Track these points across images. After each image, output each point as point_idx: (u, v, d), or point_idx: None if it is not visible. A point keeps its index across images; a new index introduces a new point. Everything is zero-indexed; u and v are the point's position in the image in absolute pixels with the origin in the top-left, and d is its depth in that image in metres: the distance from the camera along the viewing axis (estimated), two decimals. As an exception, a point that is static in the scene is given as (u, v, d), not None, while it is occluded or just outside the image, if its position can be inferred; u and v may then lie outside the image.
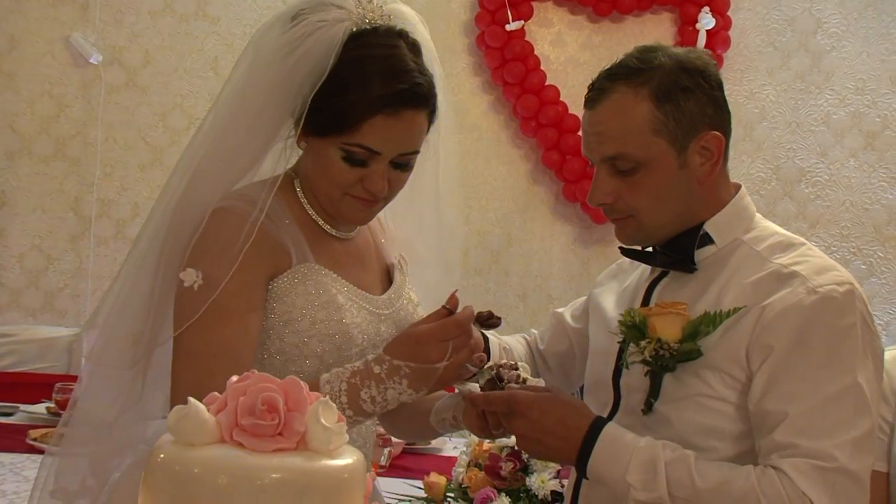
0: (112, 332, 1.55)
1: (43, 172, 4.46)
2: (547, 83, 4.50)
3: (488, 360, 1.62)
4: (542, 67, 4.52)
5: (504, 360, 1.59)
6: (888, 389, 2.12)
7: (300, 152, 1.58)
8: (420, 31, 1.57)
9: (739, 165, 4.62)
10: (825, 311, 1.43)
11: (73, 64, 4.44)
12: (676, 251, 1.56)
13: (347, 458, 0.95)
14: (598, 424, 1.48)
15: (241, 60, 1.55)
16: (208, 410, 0.94)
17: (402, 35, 1.52)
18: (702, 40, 4.43)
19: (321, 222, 1.57)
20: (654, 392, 1.50)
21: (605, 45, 4.60)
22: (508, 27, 4.43)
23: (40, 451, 2.91)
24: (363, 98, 1.45)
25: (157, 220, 1.55)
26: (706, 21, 4.42)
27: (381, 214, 1.67)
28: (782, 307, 1.44)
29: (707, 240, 1.56)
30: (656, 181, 1.53)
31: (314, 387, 1.41)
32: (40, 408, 3.41)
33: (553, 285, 4.69)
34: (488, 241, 4.59)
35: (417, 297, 1.70)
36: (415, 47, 1.53)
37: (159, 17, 4.47)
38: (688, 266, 1.55)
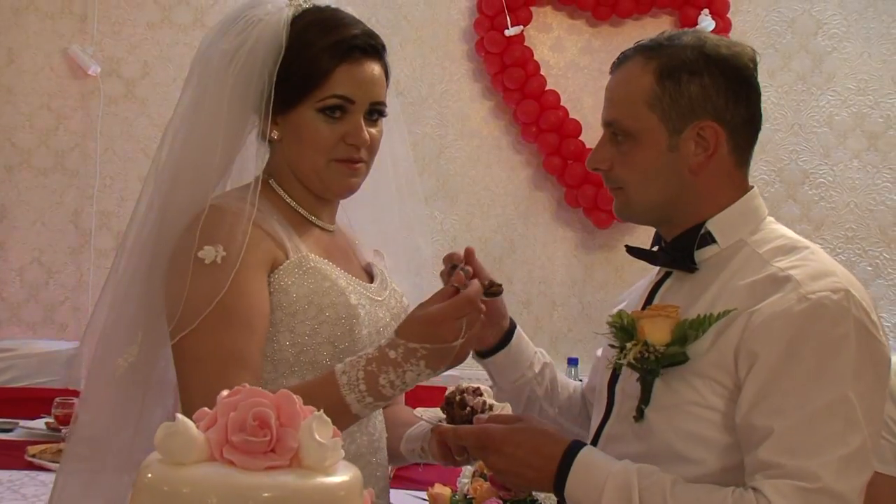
0: (108, 344, 1.55)
1: (42, 185, 4.42)
2: (547, 88, 4.46)
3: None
4: (542, 72, 4.48)
5: (467, 385, 1.57)
6: None
7: (266, 159, 1.61)
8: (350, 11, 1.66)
9: (742, 168, 4.57)
10: (816, 319, 1.36)
11: (72, 76, 4.41)
12: (678, 250, 1.52)
13: (343, 475, 0.91)
14: (572, 451, 1.43)
15: (191, 74, 1.59)
16: (197, 427, 0.90)
17: (337, 8, 1.60)
18: (702, 43, 4.39)
19: (305, 213, 1.60)
20: (644, 398, 1.45)
21: (605, 49, 4.57)
22: (507, 33, 4.39)
23: (39, 468, 2.88)
24: (324, 49, 1.52)
25: (136, 232, 1.56)
26: (706, 23, 4.39)
27: (347, 222, 1.70)
28: (770, 313, 1.37)
29: (710, 239, 1.50)
30: (643, 157, 1.49)
31: (330, 378, 1.41)
32: (39, 423, 3.37)
33: (556, 291, 4.64)
34: (490, 248, 4.55)
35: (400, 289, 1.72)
36: (350, 15, 1.60)
37: (157, 28, 4.44)
38: (688, 266, 1.50)
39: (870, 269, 4.58)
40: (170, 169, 1.56)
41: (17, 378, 3.90)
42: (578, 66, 4.58)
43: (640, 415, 1.45)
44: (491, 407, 1.52)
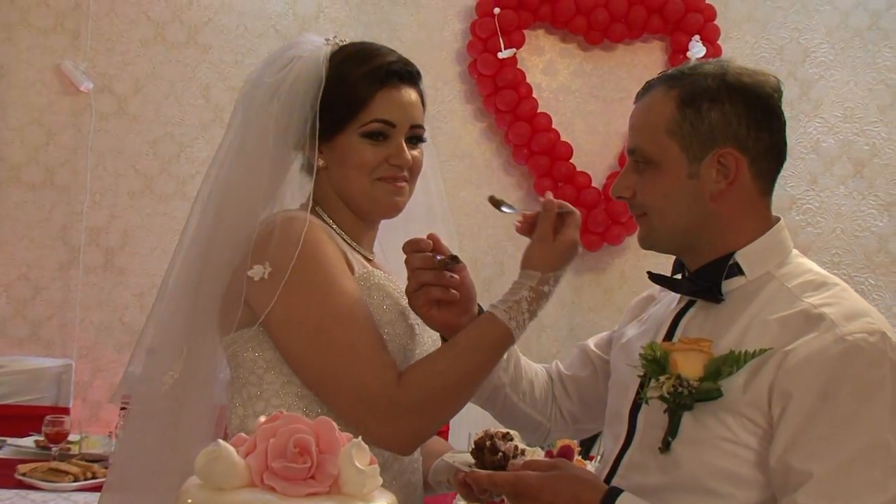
0: (155, 361, 1.60)
1: (31, 201, 4.40)
2: (539, 111, 4.50)
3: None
4: (534, 95, 4.52)
5: (496, 431, 1.58)
6: None
7: (308, 190, 1.65)
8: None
9: (731, 193, 4.63)
10: (853, 362, 1.35)
11: (63, 92, 4.40)
12: (704, 279, 1.52)
13: (381, 502, 0.92)
14: (610, 497, 1.42)
15: (235, 112, 1.66)
16: (237, 453, 0.90)
17: (372, 42, 1.69)
18: (692, 69, 4.45)
19: (350, 240, 1.65)
20: (672, 430, 1.44)
21: (597, 73, 4.62)
22: (500, 55, 4.43)
23: (29, 487, 2.85)
24: (363, 76, 1.59)
25: (182, 261, 1.64)
26: (697, 49, 4.44)
27: (381, 251, 1.74)
28: (806, 353, 1.36)
29: (737, 270, 1.50)
30: (663, 184, 1.50)
31: (493, 326, 1.53)
32: (29, 441, 3.33)
33: (545, 313, 4.58)
34: (480, 270, 4.56)
35: None
36: (385, 46, 1.68)
37: (150, 45, 4.44)
38: (714, 296, 1.49)
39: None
40: (215, 201, 1.61)
41: (4, 395, 3.86)
42: (570, 89, 4.62)
43: (666, 447, 1.44)
44: (523, 451, 1.52)
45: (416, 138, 1.64)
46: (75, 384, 4.19)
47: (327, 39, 1.65)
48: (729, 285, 1.50)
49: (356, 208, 1.64)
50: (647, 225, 1.55)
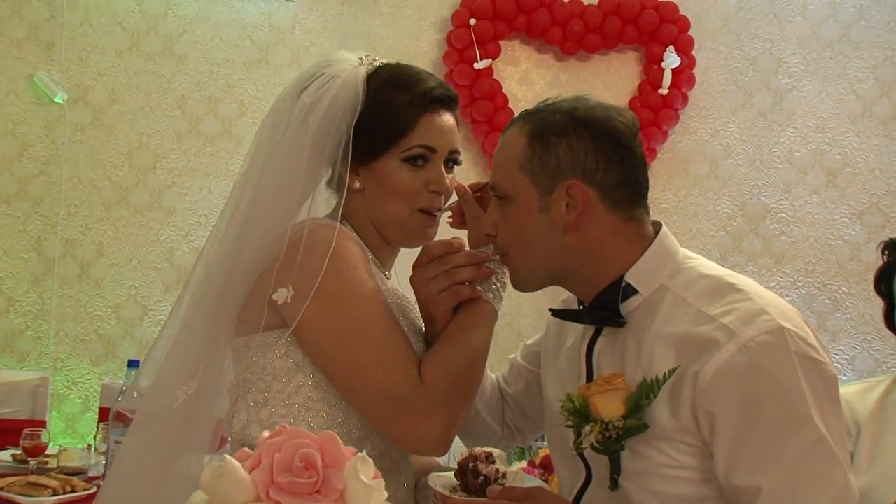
0: (169, 376, 1.61)
1: (5, 213, 4.37)
2: (515, 121, 4.52)
3: None
4: (511, 105, 4.55)
5: (479, 451, 1.59)
6: (850, 421, 2.11)
7: (332, 204, 1.68)
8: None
9: (706, 202, 4.68)
10: (761, 367, 1.36)
11: (38, 103, 4.37)
12: (602, 307, 1.51)
13: (386, 515, 0.93)
14: None
15: (262, 128, 1.67)
16: (243, 467, 0.91)
17: (408, 64, 1.70)
18: (667, 79, 4.51)
19: (373, 258, 1.67)
20: (615, 469, 1.45)
21: (572, 83, 4.66)
22: (476, 66, 4.46)
23: (8, 502, 2.82)
24: (407, 103, 1.61)
25: (204, 272, 1.65)
26: (671, 60, 4.50)
27: (396, 279, 1.76)
28: (715, 370, 1.36)
29: (631, 290, 1.50)
30: (518, 218, 1.51)
31: (479, 305, 1.60)
32: (6, 455, 3.30)
33: (523, 323, 4.68)
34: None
35: None
36: (423, 69, 1.70)
37: (125, 55, 4.43)
38: (615, 320, 1.49)
39: (829, 302, 4.70)
40: (240, 219, 1.62)
41: (-22, 409, 3.83)
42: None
43: (614, 485, 1.45)
44: (504, 475, 1.53)
45: (452, 161, 1.67)
46: (50, 397, 4.16)
47: (361, 59, 1.65)
48: (628, 306, 1.50)
49: (387, 234, 1.66)
50: (511, 265, 1.56)
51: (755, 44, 4.74)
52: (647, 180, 1.55)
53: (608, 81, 4.66)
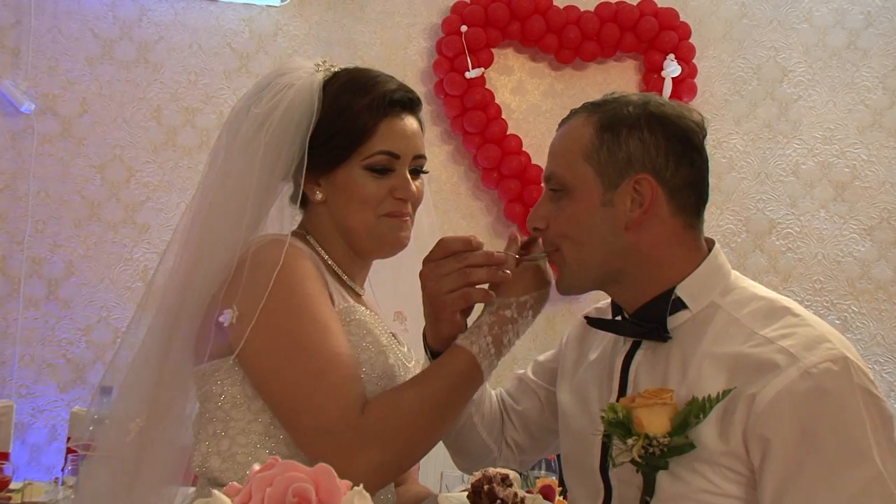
0: (123, 406, 1.60)
1: (-32, 229, 4.34)
2: (508, 132, 4.52)
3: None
4: (504, 116, 4.55)
5: (494, 472, 1.58)
6: None
7: (296, 221, 1.67)
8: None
9: (709, 217, 4.66)
10: (824, 395, 1.36)
11: (2, 113, 4.35)
12: (647, 319, 1.50)
13: (385, 553, 0.91)
14: None
15: (219, 142, 1.66)
16: (232, 502, 0.89)
17: (367, 68, 1.70)
18: (668, 88, 4.51)
19: (341, 273, 1.66)
20: (648, 490, 1.43)
21: (568, 93, 4.66)
22: (468, 75, 4.46)
23: (-29, 537, 2.79)
24: (365, 107, 1.59)
25: (161, 294, 1.63)
26: (672, 69, 4.51)
27: (369, 287, 1.76)
28: (774, 394, 1.36)
29: (680, 305, 1.50)
30: (577, 211, 1.50)
31: (456, 353, 1.54)
32: (-33, 487, 3.26)
33: (517, 345, 4.65)
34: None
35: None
36: (382, 72, 1.69)
37: (97, 63, 4.41)
38: (661, 335, 1.49)
39: (838, 322, 4.70)
40: (196, 233, 1.61)
41: (-61, 439, 3.77)
42: (541, 109, 4.66)
43: None
44: (523, 500, 1.51)
45: (417, 169, 1.66)
46: (13, 426, 4.11)
47: (317, 65, 1.65)
48: (674, 321, 1.49)
49: (357, 244, 1.64)
50: (560, 262, 1.55)
51: (759, 52, 4.76)
52: (709, 187, 1.56)
53: (606, 90, 4.57)
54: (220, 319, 1.50)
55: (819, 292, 4.73)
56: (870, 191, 4.78)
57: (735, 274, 1.56)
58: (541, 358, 1.83)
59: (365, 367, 1.56)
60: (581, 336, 1.72)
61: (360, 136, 1.59)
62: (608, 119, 1.51)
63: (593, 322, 1.60)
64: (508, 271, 1.58)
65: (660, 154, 1.49)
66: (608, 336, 1.62)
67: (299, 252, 1.57)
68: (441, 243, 1.58)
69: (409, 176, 1.64)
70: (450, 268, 1.55)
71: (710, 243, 1.56)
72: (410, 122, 1.65)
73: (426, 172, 1.67)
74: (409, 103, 1.66)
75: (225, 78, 4.48)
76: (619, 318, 1.58)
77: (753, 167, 4.73)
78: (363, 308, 1.64)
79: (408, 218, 1.65)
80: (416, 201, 1.66)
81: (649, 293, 1.51)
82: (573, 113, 1.58)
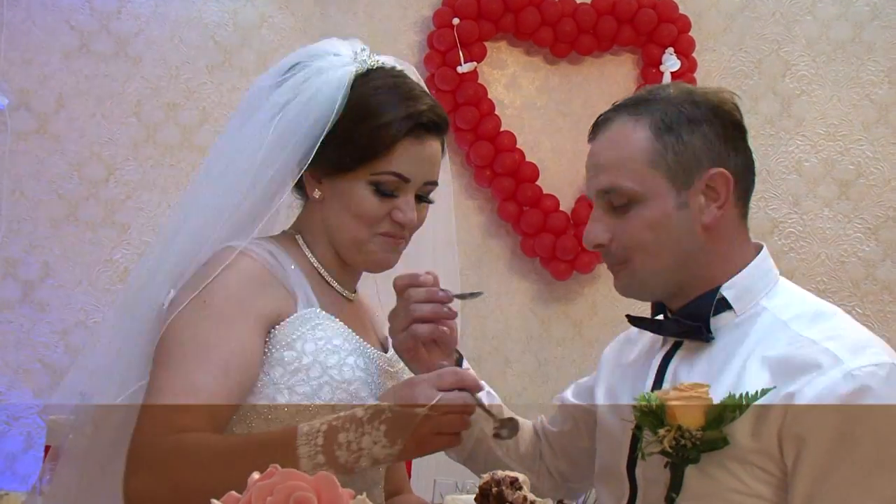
0: (84, 412, 1.62)
1: (-61, 230, 4.29)
2: (502, 129, 4.51)
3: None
4: (497, 112, 4.53)
5: (503, 474, 1.56)
6: None
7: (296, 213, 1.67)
8: (415, 77, 1.70)
9: (709, 216, 4.66)
10: (866, 399, 1.37)
11: (-25, 109, 4.31)
12: (690, 318, 1.49)
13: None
14: None
15: (234, 120, 1.63)
16: (228, 514, 0.86)
17: (405, 73, 1.65)
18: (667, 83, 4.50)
19: (326, 275, 1.64)
20: (674, 486, 1.43)
21: (563, 87, 4.65)
22: (460, 69, 4.43)
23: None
24: (390, 122, 1.55)
25: (138, 280, 1.66)
26: (671, 63, 4.50)
27: (375, 292, 1.76)
28: (815, 394, 1.37)
29: (724, 305, 1.49)
30: (651, 220, 1.50)
31: (290, 429, 1.39)
32: (-60, 498, 3.23)
33: (510, 348, 4.64)
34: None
35: None
36: (418, 85, 1.65)
37: (74, 57, 4.37)
38: (704, 335, 1.49)
39: (843, 324, 4.69)
40: (198, 223, 1.60)
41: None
42: (535, 105, 4.64)
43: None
44: (533, 503, 1.49)
45: (424, 195, 1.63)
46: (-12, 434, 4.08)
47: (356, 53, 1.60)
48: (717, 322, 1.50)
49: (342, 253, 1.63)
50: (629, 272, 1.54)
51: (761, 45, 4.75)
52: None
53: (602, 86, 4.65)
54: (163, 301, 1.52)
55: (823, 293, 4.71)
56: (875, 189, 4.77)
57: (784, 280, 1.59)
58: (580, 381, 1.84)
59: (332, 371, 1.53)
60: (618, 350, 1.75)
61: (375, 151, 1.56)
62: (662, 120, 1.51)
63: (635, 321, 1.60)
64: (454, 310, 1.58)
65: (720, 144, 1.52)
66: (646, 344, 1.64)
67: (252, 260, 1.53)
68: (394, 283, 1.58)
69: (413, 202, 1.60)
70: (400, 307, 1.57)
71: (758, 247, 1.59)
72: (431, 145, 1.60)
73: (432, 202, 1.63)
74: (435, 127, 1.61)
75: (208, 72, 4.44)
76: (660, 316, 1.59)
77: (756, 164, 4.71)
78: (324, 313, 1.59)
79: (402, 241, 1.63)
80: (413, 228, 1.63)
81: (695, 291, 1.51)
82: (607, 118, 1.55)
